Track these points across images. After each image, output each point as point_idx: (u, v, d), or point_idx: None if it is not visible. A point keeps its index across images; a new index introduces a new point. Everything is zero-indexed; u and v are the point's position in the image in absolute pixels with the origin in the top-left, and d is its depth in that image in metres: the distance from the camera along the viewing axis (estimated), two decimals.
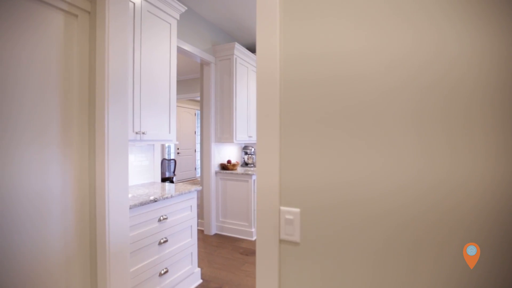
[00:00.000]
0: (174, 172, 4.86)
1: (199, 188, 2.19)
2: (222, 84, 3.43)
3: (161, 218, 1.81)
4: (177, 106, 7.56)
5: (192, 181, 7.79)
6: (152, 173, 2.45)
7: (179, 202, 1.99)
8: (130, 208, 1.55)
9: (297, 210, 0.76)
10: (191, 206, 2.13)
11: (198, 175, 8.59)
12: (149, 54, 2.02)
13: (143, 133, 1.93)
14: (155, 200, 1.73)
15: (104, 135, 1.34)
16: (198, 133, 8.60)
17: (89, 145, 1.40)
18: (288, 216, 0.77)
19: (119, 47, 1.42)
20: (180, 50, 2.92)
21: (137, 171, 2.29)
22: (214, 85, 3.44)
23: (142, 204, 1.63)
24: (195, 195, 2.17)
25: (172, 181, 4.30)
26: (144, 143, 1.98)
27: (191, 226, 2.13)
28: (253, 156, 3.89)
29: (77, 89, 1.37)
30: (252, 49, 4.31)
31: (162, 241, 1.82)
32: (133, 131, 1.86)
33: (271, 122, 0.79)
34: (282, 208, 0.78)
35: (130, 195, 1.81)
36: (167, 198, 1.84)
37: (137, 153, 2.30)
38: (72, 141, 1.35)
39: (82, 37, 1.39)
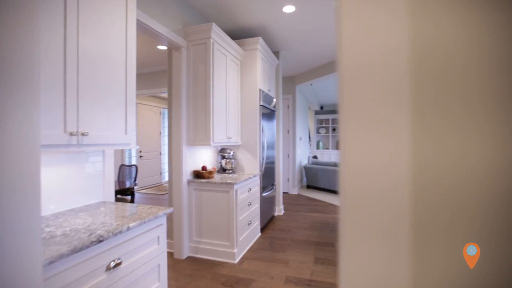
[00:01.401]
0: (135, 180, 4.10)
1: (169, 210, 1.58)
2: (195, 74, 2.81)
3: (112, 264, 1.18)
4: (139, 103, 6.68)
5: (157, 187, 6.96)
6: (101, 189, 1.77)
7: (141, 235, 1.37)
8: (50, 263, 0.92)
9: None
10: (158, 237, 1.51)
11: (164, 180, 7.75)
12: (93, 27, 1.37)
13: (84, 134, 1.28)
14: (100, 240, 1.10)
15: None
16: (164, 133, 7.76)
17: None
18: None
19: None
20: (141, 27, 2.26)
21: (76, 189, 1.61)
22: (185, 75, 2.82)
23: (75, 251, 1.00)
24: (164, 220, 1.56)
25: (132, 194, 3.56)
26: (86, 148, 1.33)
27: (159, 265, 1.51)
28: (232, 160, 3.33)
29: None
30: (232, 35, 3.74)
31: None
32: (65, 131, 1.21)
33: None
34: None
35: (59, 231, 1.16)
36: (121, 232, 1.21)
37: (75, 162, 1.62)
38: None
39: None
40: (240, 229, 2.80)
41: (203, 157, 3.17)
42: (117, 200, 3.38)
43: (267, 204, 3.83)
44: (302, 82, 5.94)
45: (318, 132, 11.10)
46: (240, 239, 2.80)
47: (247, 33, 3.69)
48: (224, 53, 3.03)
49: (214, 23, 2.72)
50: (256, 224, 3.35)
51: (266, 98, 3.81)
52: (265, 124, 3.76)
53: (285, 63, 5.17)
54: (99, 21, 1.40)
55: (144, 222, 1.36)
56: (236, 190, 2.72)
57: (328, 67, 5.11)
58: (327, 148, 10.99)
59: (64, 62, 1.22)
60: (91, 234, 1.12)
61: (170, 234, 2.87)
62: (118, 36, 1.53)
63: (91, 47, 1.36)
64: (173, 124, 2.80)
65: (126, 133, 1.58)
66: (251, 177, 3.13)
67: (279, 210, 4.47)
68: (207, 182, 2.75)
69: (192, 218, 2.83)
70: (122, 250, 1.25)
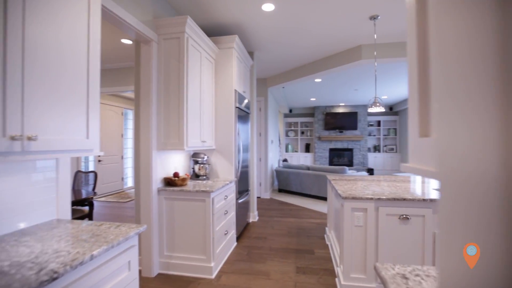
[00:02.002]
0: (94, 189, 3.65)
1: (142, 228, 1.33)
2: (167, 71, 2.55)
3: None
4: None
5: (119, 194, 6.39)
6: (54, 204, 1.46)
7: (108, 262, 1.12)
8: None
9: None
10: (129, 262, 1.26)
11: (127, 186, 7.16)
12: (45, 13, 1.10)
13: (31, 138, 1.00)
14: (53, 278, 0.84)
15: None
16: (127, 136, 7.19)
17: None
18: None
19: None
20: (106, 14, 1.96)
21: (19, 206, 1.29)
22: (156, 72, 2.54)
23: None
24: (135, 240, 1.31)
25: (91, 204, 3.14)
26: (35, 156, 1.05)
27: None
28: (206, 165, 3.10)
29: None
30: (206, 31, 3.52)
31: None
32: (4, 134, 0.93)
33: None
34: None
35: None
36: (82, 264, 0.96)
37: (18, 172, 1.30)
38: None
39: None
40: (217, 240, 2.58)
41: (175, 162, 2.90)
42: (72, 212, 2.94)
43: (242, 211, 3.65)
44: (274, 84, 5.88)
45: (287, 135, 11.20)
46: (217, 251, 2.59)
47: (222, 31, 3.50)
48: (198, 50, 2.81)
49: (189, 16, 2.49)
50: (232, 233, 3.15)
51: (241, 99, 3.64)
52: (240, 127, 3.59)
53: (258, 65, 5.05)
54: (52, 6, 1.13)
55: (112, 247, 1.11)
56: (213, 199, 2.51)
57: (301, 70, 5.11)
58: (296, 151, 11.13)
59: (3, 56, 0.94)
60: (40, 271, 0.86)
61: None
62: (78, 23, 1.26)
63: (43, 37, 1.08)
64: (141, 126, 2.51)
65: (87, 137, 1.31)
66: (228, 184, 2.93)
67: (253, 216, 4.31)
68: (180, 191, 2.50)
69: (163, 231, 2.55)
70: (85, 284, 0.99)
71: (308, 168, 6.24)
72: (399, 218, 2.11)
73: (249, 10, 2.95)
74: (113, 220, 4.30)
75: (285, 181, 6.61)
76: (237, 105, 3.37)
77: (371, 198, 2.12)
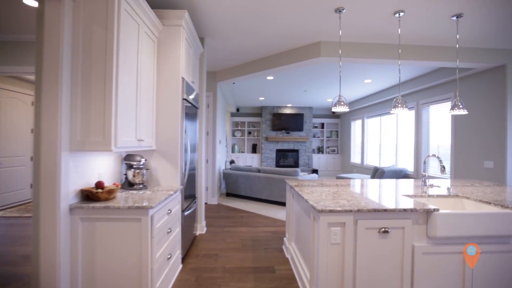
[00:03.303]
0: None
1: None
2: (88, 44, 1.84)
3: None
4: None
5: (25, 206, 5.03)
6: None
7: None
8: None
9: None
10: None
11: None
12: None
13: None
14: None
15: None
16: None
17: None
18: None
19: None
20: None
21: None
22: (69, 43, 1.80)
23: None
24: None
25: None
26: None
27: None
28: (143, 171, 2.43)
29: None
30: (149, 1, 2.80)
31: None
32: None
33: None
34: None
35: None
36: None
37: None
38: None
39: None
40: (157, 270, 1.97)
41: (99, 168, 2.17)
42: None
43: (188, 224, 3.05)
44: (224, 79, 5.37)
45: (233, 135, 10.76)
46: (157, 286, 1.97)
47: (166, 3, 2.85)
48: (136, 20, 2.14)
49: None
50: (177, 255, 2.55)
51: (190, 91, 3.05)
52: (188, 123, 2.99)
53: (209, 55, 4.48)
54: None
55: None
56: (152, 217, 1.89)
57: (255, 64, 4.71)
58: (242, 152, 10.77)
59: None
60: None
61: None
62: None
63: None
64: (43, 118, 1.74)
65: None
66: (172, 194, 2.33)
67: (201, 227, 3.73)
68: (105, 207, 1.81)
69: (77, 266, 1.82)
70: None
71: (258, 171, 5.89)
72: (379, 231, 1.85)
73: None
74: (9, 244, 3.20)
75: (234, 185, 6.15)
76: (185, 97, 2.78)
77: (350, 210, 1.80)
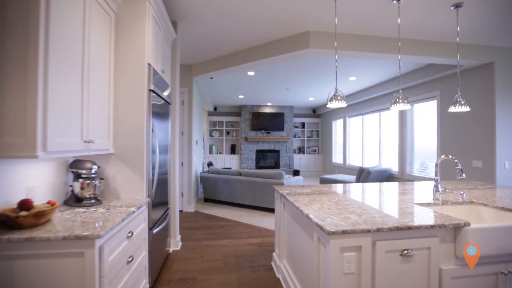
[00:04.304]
0: None
1: None
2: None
3: None
4: None
5: None
6: None
7: None
8: None
9: None
10: None
11: None
12: None
13: None
14: None
15: None
16: None
17: None
18: None
19: None
20: None
21: None
22: None
23: None
24: None
25: None
26: None
27: None
28: (96, 182, 1.87)
29: None
30: None
31: None
32: None
33: None
34: None
35: None
36: None
37: None
38: None
39: None
40: None
41: (28, 179, 1.59)
42: None
43: (159, 240, 2.52)
44: (201, 73, 4.84)
45: (211, 135, 10.19)
46: None
47: None
48: None
49: None
50: (144, 284, 2.01)
51: (160, 83, 2.52)
52: (156, 121, 2.46)
53: (184, 44, 3.94)
54: None
55: None
56: (102, 248, 1.36)
57: (235, 57, 4.24)
58: (220, 153, 10.23)
59: None
60: None
61: None
62: None
63: None
64: None
65: None
66: (134, 212, 1.80)
67: (175, 243, 3.19)
68: (28, 239, 1.26)
69: None
70: None
71: (239, 174, 5.42)
72: (401, 254, 1.46)
73: None
74: None
75: (212, 189, 5.63)
76: (152, 88, 2.24)
77: (368, 230, 1.40)
